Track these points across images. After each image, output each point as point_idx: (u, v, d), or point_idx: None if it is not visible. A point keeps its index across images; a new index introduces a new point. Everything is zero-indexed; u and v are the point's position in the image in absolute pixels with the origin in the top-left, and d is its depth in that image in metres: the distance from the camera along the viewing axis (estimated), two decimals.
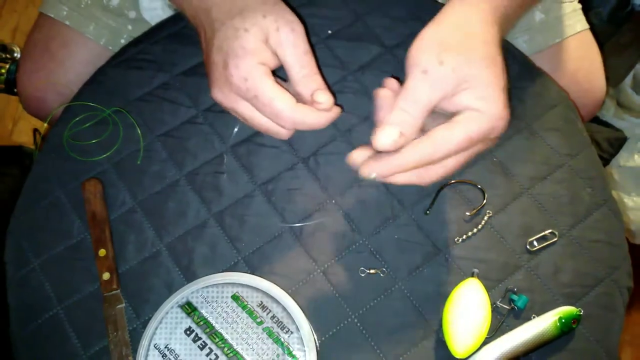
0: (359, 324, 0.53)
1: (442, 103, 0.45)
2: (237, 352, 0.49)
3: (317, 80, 0.51)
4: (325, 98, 0.50)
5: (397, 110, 0.44)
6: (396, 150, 0.45)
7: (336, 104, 0.52)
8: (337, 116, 0.52)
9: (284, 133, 0.52)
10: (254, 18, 0.48)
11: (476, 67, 0.44)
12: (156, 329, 0.50)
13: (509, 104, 0.46)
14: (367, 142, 0.59)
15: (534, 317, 0.52)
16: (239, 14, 0.49)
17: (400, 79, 0.62)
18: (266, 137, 0.60)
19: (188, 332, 0.50)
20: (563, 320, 0.51)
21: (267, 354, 0.49)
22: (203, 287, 0.51)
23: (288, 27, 0.49)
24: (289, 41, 0.49)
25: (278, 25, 0.49)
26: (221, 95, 0.50)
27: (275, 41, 0.49)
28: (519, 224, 0.57)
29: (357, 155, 0.48)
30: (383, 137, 0.44)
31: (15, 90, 0.92)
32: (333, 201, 0.58)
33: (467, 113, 0.45)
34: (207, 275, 0.52)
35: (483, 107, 0.44)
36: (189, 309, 0.51)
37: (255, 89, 0.48)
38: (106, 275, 0.53)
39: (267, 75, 0.49)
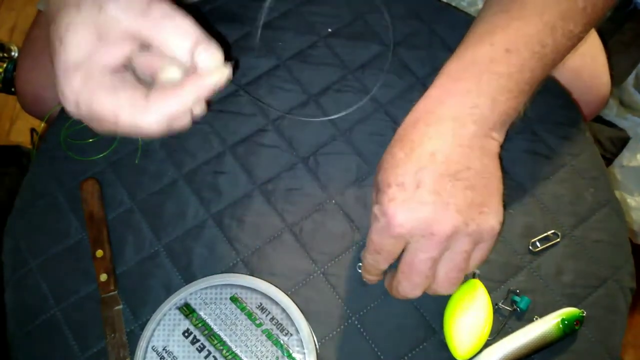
0: (359, 326, 0.52)
1: None
2: (236, 354, 0.49)
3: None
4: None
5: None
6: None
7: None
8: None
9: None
10: None
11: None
12: (154, 330, 0.49)
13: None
14: (366, 141, 0.59)
15: (536, 319, 0.52)
16: None
17: (400, 78, 0.62)
18: (266, 137, 0.60)
19: (186, 334, 0.49)
20: (566, 322, 0.50)
21: (266, 356, 0.48)
22: (201, 289, 0.51)
23: None
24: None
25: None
26: None
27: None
28: (521, 225, 0.56)
29: None
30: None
31: (13, 89, 0.91)
32: (333, 201, 0.57)
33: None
34: (205, 276, 0.52)
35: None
36: (187, 310, 0.50)
37: None
38: (103, 277, 0.53)
39: None
